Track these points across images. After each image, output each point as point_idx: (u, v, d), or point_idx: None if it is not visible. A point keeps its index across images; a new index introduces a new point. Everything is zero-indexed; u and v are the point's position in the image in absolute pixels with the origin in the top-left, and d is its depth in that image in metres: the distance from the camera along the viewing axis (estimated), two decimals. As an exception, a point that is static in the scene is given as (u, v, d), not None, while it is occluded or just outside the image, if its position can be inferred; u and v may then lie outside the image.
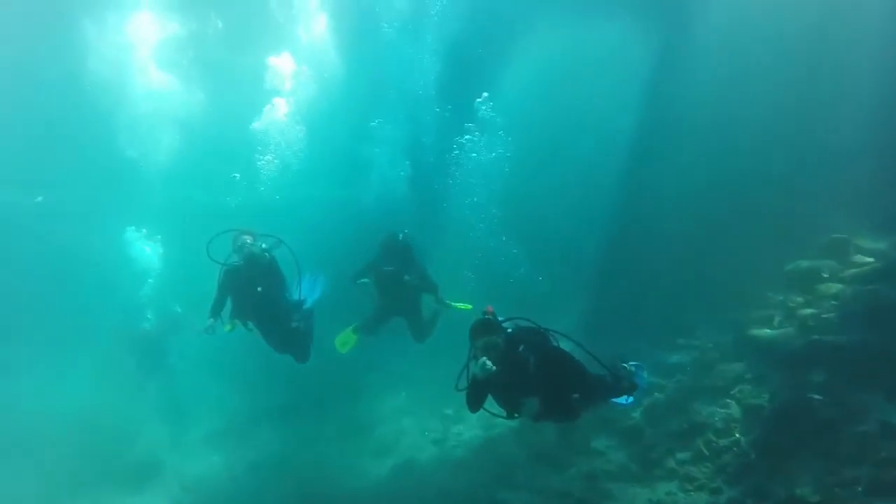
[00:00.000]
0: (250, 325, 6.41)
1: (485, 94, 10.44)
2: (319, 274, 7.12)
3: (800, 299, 8.66)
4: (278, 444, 10.11)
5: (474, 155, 10.52)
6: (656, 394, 8.65)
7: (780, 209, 10.00)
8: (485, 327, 4.37)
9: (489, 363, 4.17)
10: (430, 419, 10.70)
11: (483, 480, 8.18)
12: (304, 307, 6.59)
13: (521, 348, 4.44)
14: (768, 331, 8.66)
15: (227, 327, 6.14)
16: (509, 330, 4.52)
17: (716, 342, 9.05)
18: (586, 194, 11.63)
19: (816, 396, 6.87)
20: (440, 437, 10.07)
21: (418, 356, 10.19)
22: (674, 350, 9.39)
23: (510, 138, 10.43)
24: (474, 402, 4.49)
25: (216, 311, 6.22)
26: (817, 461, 6.33)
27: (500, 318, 4.54)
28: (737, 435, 7.51)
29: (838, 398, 6.76)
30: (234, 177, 11.04)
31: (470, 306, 7.86)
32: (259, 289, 6.06)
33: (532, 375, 4.44)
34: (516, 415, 4.60)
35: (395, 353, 10.96)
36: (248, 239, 6.11)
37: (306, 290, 6.70)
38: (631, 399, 5.04)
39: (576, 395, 4.51)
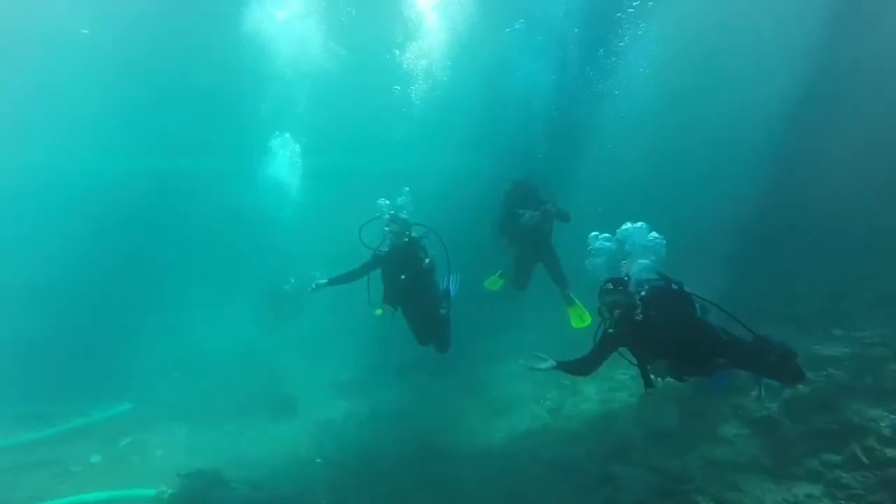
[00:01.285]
0: (399, 311, 6.53)
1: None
2: (456, 272, 7.06)
3: None
4: (398, 398, 10.82)
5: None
6: (800, 386, 7.76)
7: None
8: (612, 287, 4.55)
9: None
10: (547, 388, 10.70)
11: (596, 454, 8.03)
12: (450, 296, 6.68)
13: (653, 313, 4.46)
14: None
15: (378, 311, 6.29)
16: (643, 293, 4.55)
17: (884, 336, 7.84)
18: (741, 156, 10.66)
19: None
20: (556, 406, 10.04)
21: (542, 326, 10.25)
22: (827, 341, 8.34)
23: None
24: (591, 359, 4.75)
25: (342, 280, 6.47)
26: None
27: (640, 279, 4.64)
28: (908, 447, 6.50)
29: None
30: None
31: (588, 322, 8.04)
32: (402, 277, 6.16)
33: (661, 340, 4.46)
34: (650, 372, 4.67)
35: (518, 321, 11.14)
36: (397, 227, 6.22)
37: (444, 283, 6.83)
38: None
39: (721, 360, 4.47)
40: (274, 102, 12.20)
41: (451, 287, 6.87)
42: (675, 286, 4.66)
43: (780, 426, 7.52)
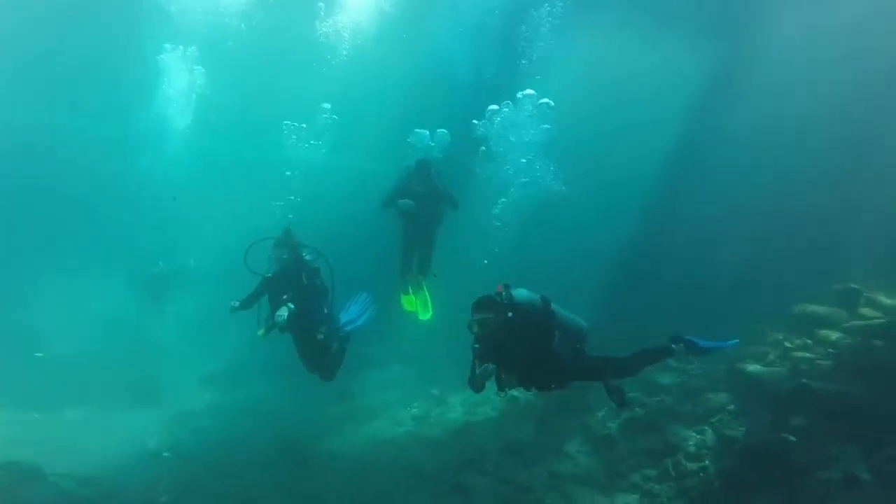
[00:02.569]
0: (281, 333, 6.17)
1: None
2: (371, 302, 6.92)
3: (798, 342, 8.55)
4: (266, 395, 10.54)
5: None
6: (637, 409, 8.72)
7: (805, 245, 9.86)
8: (482, 303, 4.62)
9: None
10: (416, 397, 10.99)
11: (452, 462, 8.40)
12: (340, 325, 6.45)
13: (514, 334, 4.56)
14: (759, 367, 8.61)
15: (261, 332, 5.99)
16: (510, 314, 4.58)
17: (706, 370, 9.04)
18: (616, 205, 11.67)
19: (791, 438, 6.84)
20: (421, 414, 10.34)
21: (415, 334, 10.52)
22: (665, 371, 9.43)
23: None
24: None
25: (245, 305, 6.17)
26: (776, 502, 6.36)
27: (510, 298, 4.65)
28: (706, 462, 7.55)
29: (813, 444, 6.72)
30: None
31: (428, 317, 8.45)
32: (284, 297, 5.94)
33: (512, 359, 4.66)
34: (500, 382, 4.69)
35: (394, 329, 11.30)
36: (284, 253, 6.02)
37: (353, 312, 6.67)
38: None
39: (553, 385, 4.74)
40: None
41: (356, 317, 6.69)
42: (544, 314, 4.79)
43: (616, 444, 8.39)
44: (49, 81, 11.46)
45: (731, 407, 8.20)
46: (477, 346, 4.75)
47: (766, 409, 7.66)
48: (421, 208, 7.81)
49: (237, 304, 6.16)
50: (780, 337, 8.90)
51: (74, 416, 9.83)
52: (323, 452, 8.78)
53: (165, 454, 8.75)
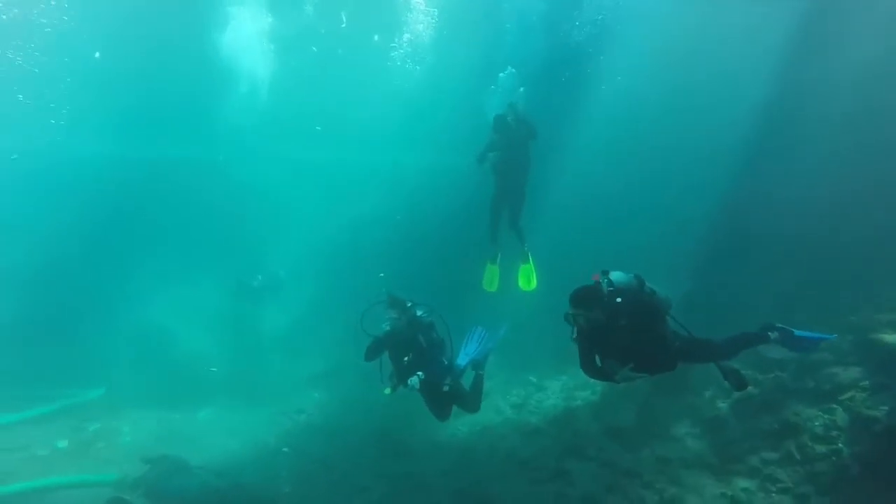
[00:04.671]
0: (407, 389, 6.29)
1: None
2: (486, 335, 6.90)
3: (944, 301, 7.48)
4: (368, 392, 10.97)
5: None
6: (750, 388, 8.04)
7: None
8: (584, 298, 4.45)
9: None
10: (513, 384, 10.95)
11: (553, 449, 8.28)
12: (462, 368, 6.52)
13: (622, 322, 4.45)
14: (899, 335, 7.62)
15: (387, 391, 6.17)
16: (618, 300, 4.46)
17: (829, 343, 8.14)
18: (697, 180, 10.93)
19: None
20: (520, 401, 10.28)
21: (511, 321, 10.49)
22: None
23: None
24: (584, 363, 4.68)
25: (369, 359, 6.21)
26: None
27: (612, 285, 4.54)
28: (839, 445, 6.82)
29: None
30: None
31: (534, 286, 8.76)
32: (405, 359, 6.11)
33: (618, 346, 4.49)
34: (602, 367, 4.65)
35: (485, 318, 11.34)
36: (395, 313, 6.15)
37: (472, 349, 6.72)
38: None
39: (663, 369, 4.54)
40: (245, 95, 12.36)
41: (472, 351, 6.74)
42: (647, 294, 4.65)
43: (727, 426, 7.82)
44: (158, 115, 12.76)
45: (866, 383, 7.31)
46: (578, 337, 4.58)
47: (910, 383, 6.79)
48: (506, 159, 8.44)
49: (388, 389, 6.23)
50: (921, 298, 7.83)
51: (206, 416, 10.90)
52: (423, 443, 9.02)
53: (284, 449, 9.45)
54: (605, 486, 7.17)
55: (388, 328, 6.13)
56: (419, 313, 6.29)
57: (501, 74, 9.11)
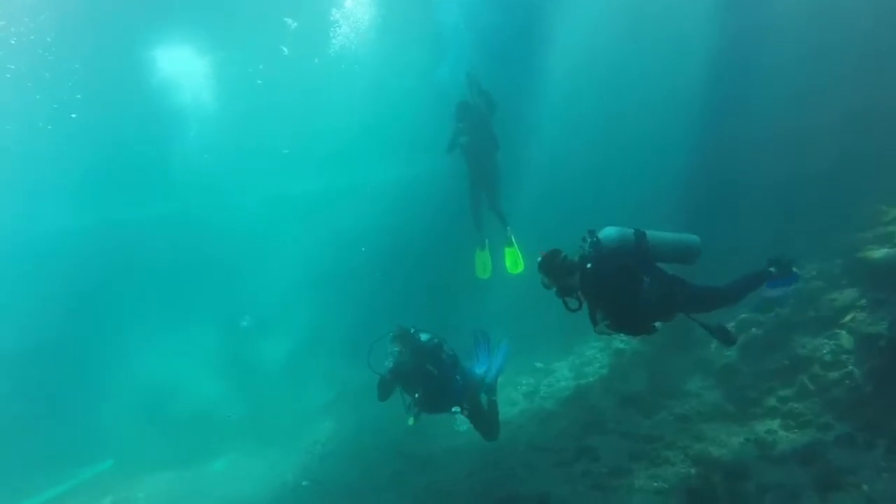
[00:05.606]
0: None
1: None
2: (494, 342, 6.91)
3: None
4: (376, 412, 10.81)
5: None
6: (753, 329, 8.04)
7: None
8: (546, 264, 4.66)
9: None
10: (521, 374, 10.86)
11: (572, 430, 8.18)
12: (478, 381, 6.40)
13: (594, 284, 4.56)
14: (887, 250, 7.65)
15: (411, 421, 6.03)
16: (588, 266, 4.57)
17: (820, 270, 8.17)
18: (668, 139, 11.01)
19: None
20: (531, 389, 10.19)
21: (507, 314, 10.44)
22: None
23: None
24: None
25: (383, 398, 6.14)
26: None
27: (594, 247, 4.61)
28: (850, 367, 6.82)
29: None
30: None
31: (521, 269, 8.96)
32: (416, 395, 6.00)
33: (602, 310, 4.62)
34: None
35: (482, 312, 11.28)
36: (398, 346, 5.99)
37: (484, 360, 6.68)
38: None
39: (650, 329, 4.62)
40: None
41: (485, 362, 6.69)
42: (630, 250, 4.63)
43: (738, 372, 7.80)
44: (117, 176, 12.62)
45: (863, 301, 7.37)
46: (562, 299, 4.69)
47: (904, 293, 6.80)
48: (474, 141, 8.66)
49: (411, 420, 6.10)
50: (902, 209, 7.89)
51: (220, 466, 10.66)
52: (443, 451, 8.87)
53: (304, 483, 9.26)
54: (630, 456, 7.07)
55: (391, 364, 5.99)
56: (423, 338, 6.15)
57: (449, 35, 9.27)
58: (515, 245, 9.30)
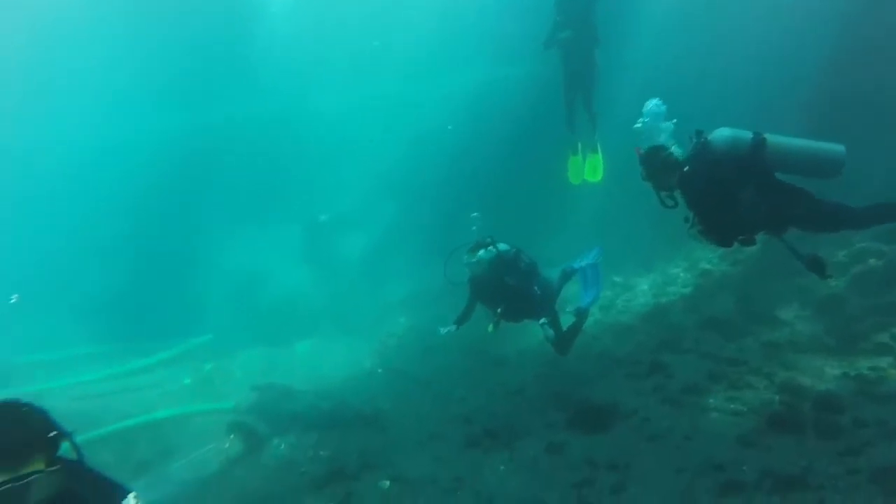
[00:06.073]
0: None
1: None
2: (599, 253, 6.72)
3: None
4: (454, 310, 11.10)
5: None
6: (871, 260, 7.22)
7: None
8: (645, 157, 4.42)
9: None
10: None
11: (648, 344, 7.99)
12: (552, 298, 6.32)
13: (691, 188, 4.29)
14: None
15: (490, 328, 6.05)
16: (685, 169, 4.27)
17: None
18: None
19: None
20: (608, 303, 9.96)
21: (588, 226, 10.09)
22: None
23: None
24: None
25: (462, 321, 6.34)
26: None
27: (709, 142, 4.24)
28: None
29: None
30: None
31: (600, 178, 8.83)
32: (498, 310, 5.96)
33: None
34: None
35: (562, 224, 10.97)
36: (475, 257, 5.89)
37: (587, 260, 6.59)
38: None
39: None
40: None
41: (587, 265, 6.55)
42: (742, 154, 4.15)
43: (846, 304, 7.14)
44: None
45: None
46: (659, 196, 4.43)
47: None
48: (575, 36, 8.30)
49: (453, 327, 6.30)
50: None
51: (303, 348, 11.55)
52: (515, 353, 9.03)
53: (379, 370, 9.87)
54: (707, 375, 6.82)
55: (468, 275, 6.02)
56: (501, 248, 6.03)
57: None
58: (599, 151, 8.94)
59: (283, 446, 7.45)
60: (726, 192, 4.12)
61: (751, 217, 4.15)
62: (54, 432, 1.74)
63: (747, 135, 4.12)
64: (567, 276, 6.62)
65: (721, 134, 4.19)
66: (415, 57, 12.53)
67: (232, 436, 7.79)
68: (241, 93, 13.19)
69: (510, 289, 5.97)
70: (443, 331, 6.21)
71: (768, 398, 6.04)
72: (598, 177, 9.02)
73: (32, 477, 1.61)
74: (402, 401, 8.27)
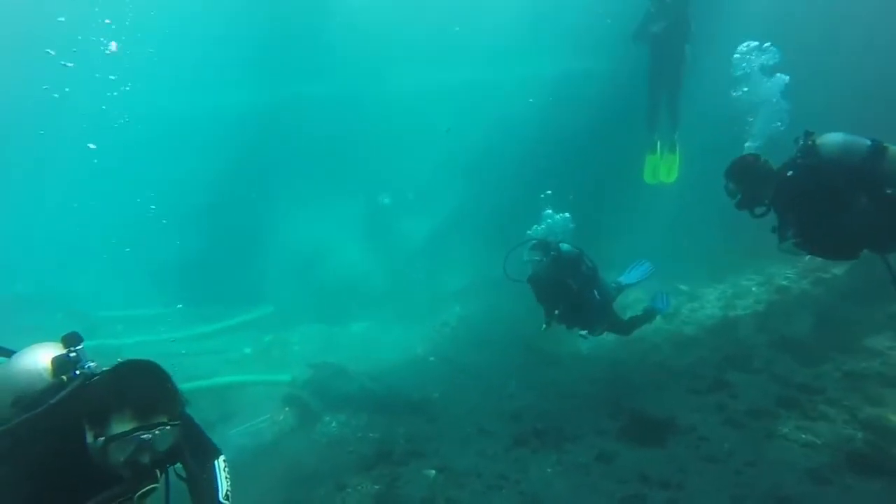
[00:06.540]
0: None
1: None
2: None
3: None
4: (510, 304, 10.96)
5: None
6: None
7: None
8: (736, 170, 4.24)
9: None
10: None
11: (711, 359, 7.60)
12: (610, 304, 6.38)
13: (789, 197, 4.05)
14: None
15: (544, 327, 6.11)
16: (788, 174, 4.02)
17: None
18: None
19: None
20: (671, 311, 9.52)
21: (656, 229, 9.69)
22: None
23: None
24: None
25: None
26: None
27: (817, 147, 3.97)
28: None
29: None
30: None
31: (674, 178, 8.51)
32: (556, 312, 5.92)
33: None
34: None
35: (633, 229, 10.58)
36: (537, 255, 5.85)
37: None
38: None
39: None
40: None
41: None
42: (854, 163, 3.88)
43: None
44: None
45: None
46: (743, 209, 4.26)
47: None
48: (668, 28, 7.97)
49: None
50: None
51: (359, 329, 11.82)
52: (569, 353, 8.84)
53: (431, 359, 9.93)
54: (776, 400, 6.41)
55: (529, 273, 5.96)
56: (564, 249, 5.94)
57: None
58: (678, 152, 8.57)
59: (333, 424, 7.66)
60: (836, 201, 3.84)
61: (861, 229, 3.84)
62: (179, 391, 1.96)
63: (864, 141, 3.80)
64: (620, 289, 6.74)
65: (833, 138, 3.89)
66: (495, 44, 12.36)
67: (287, 409, 8.08)
68: (318, 70, 13.47)
69: (571, 291, 5.89)
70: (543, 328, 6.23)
71: (849, 434, 5.58)
72: (673, 178, 8.69)
73: (159, 429, 1.81)
74: (452, 391, 8.29)
